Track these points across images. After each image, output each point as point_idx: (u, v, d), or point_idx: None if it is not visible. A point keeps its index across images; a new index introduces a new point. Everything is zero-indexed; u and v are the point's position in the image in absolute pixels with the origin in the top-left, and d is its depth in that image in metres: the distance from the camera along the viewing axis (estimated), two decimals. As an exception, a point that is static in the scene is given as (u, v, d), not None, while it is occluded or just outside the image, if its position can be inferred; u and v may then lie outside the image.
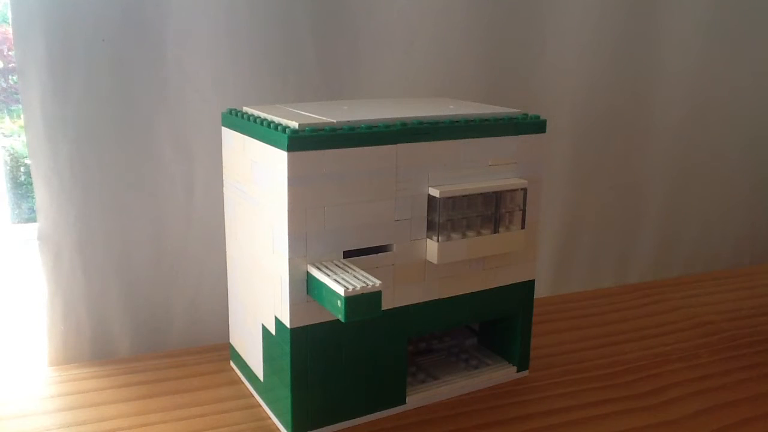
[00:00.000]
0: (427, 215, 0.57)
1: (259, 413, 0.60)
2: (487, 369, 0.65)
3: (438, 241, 0.56)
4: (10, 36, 0.63)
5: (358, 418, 0.58)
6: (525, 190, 0.60)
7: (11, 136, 0.73)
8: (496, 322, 0.67)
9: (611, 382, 0.66)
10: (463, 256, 0.58)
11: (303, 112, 0.56)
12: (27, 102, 0.64)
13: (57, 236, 0.67)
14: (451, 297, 0.60)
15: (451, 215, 0.57)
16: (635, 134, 0.93)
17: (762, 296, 0.88)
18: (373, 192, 0.54)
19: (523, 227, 0.61)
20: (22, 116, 0.64)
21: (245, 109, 0.60)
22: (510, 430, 0.58)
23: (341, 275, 0.51)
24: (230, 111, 0.61)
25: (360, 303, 0.49)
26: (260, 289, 0.58)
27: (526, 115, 0.62)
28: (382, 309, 0.51)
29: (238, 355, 0.65)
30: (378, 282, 0.50)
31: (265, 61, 0.71)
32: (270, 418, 0.59)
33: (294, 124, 0.52)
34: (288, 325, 0.54)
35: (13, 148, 0.73)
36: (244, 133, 0.57)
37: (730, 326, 0.79)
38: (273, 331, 0.56)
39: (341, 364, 0.56)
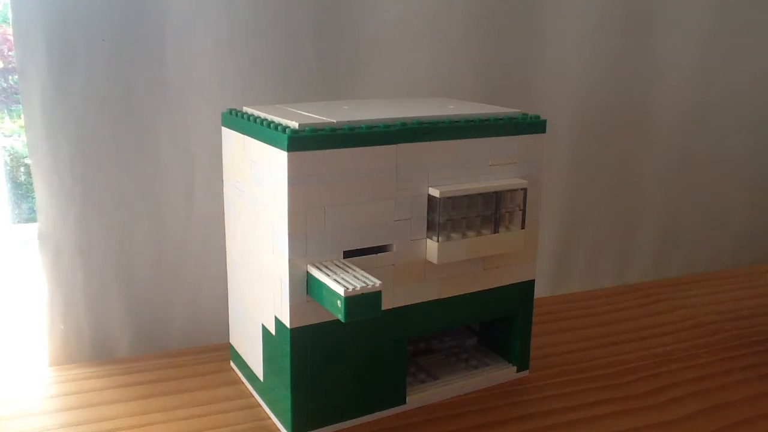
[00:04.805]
0: (427, 215, 0.57)
1: (259, 413, 0.60)
2: (487, 369, 0.65)
3: (438, 241, 0.56)
4: (10, 36, 0.63)
5: (358, 418, 0.58)
6: (525, 190, 0.60)
7: (11, 136, 0.73)
8: (496, 322, 0.67)
9: (611, 382, 0.66)
10: (463, 256, 0.58)
11: (303, 112, 0.56)
12: (27, 102, 0.64)
13: (57, 236, 0.67)
14: (451, 297, 0.60)
15: (451, 215, 0.57)
16: (635, 134, 0.93)
17: (762, 296, 0.88)
18: (373, 192, 0.54)
19: (523, 227, 0.61)
20: (22, 116, 0.64)
21: (245, 109, 0.60)
22: (510, 430, 0.58)
23: (341, 275, 0.51)
24: (230, 111, 0.61)
25: (360, 303, 0.49)
26: (260, 289, 0.58)
27: (526, 115, 0.62)
28: (382, 309, 0.52)
29: (238, 355, 0.65)
30: (378, 282, 0.50)
31: (265, 61, 0.71)
32: (270, 418, 0.59)
33: (294, 124, 0.52)
34: (288, 325, 0.54)
35: (13, 148, 0.73)
36: (244, 133, 0.57)
37: (730, 326, 0.79)
38: (273, 331, 0.56)
39: (341, 364, 0.56)
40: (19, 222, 0.74)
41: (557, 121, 0.85)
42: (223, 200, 0.64)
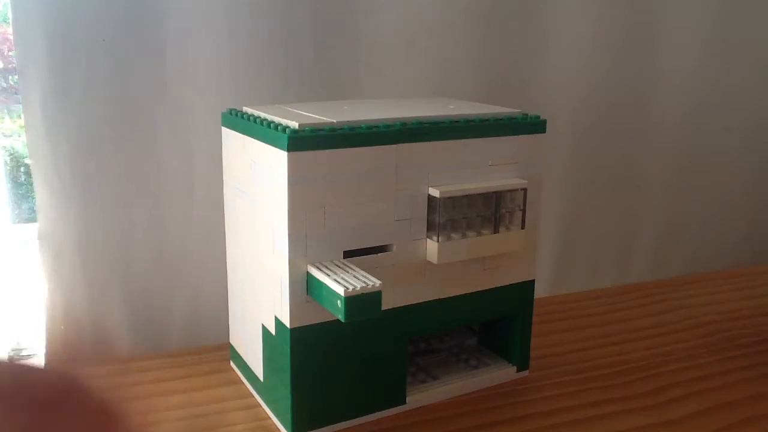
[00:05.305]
0: (427, 215, 0.57)
1: (259, 413, 0.60)
2: (487, 369, 0.65)
3: (438, 241, 0.56)
4: (10, 36, 0.63)
5: (358, 418, 0.58)
6: (525, 190, 0.60)
7: (11, 136, 0.73)
8: (496, 322, 0.67)
9: (611, 382, 0.66)
10: (463, 256, 0.58)
11: (303, 112, 0.56)
12: (27, 102, 0.64)
13: (57, 236, 0.67)
14: (451, 297, 0.60)
15: (451, 215, 0.57)
16: (635, 134, 0.93)
17: (762, 296, 0.88)
18: (373, 192, 0.54)
19: (523, 227, 0.61)
20: (22, 116, 0.65)
21: (245, 109, 0.60)
22: (510, 430, 0.58)
23: (341, 275, 0.51)
24: (230, 111, 0.61)
25: (360, 303, 0.49)
26: (260, 289, 0.58)
27: (526, 115, 0.62)
28: (382, 309, 0.51)
29: (238, 355, 0.65)
30: (378, 282, 0.50)
31: (265, 61, 0.71)
32: (270, 418, 0.59)
33: (294, 124, 0.52)
34: (288, 325, 0.54)
35: (13, 148, 0.73)
36: (244, 133, 0.57)
37: (730, 326, 0.79)
38: (273, 331, 0.56)
39: (341, 364, 0.56)
40: (19, 222, 0.74)
41: (557, 121, 0.85)
42: (223, 200, 0.64)
